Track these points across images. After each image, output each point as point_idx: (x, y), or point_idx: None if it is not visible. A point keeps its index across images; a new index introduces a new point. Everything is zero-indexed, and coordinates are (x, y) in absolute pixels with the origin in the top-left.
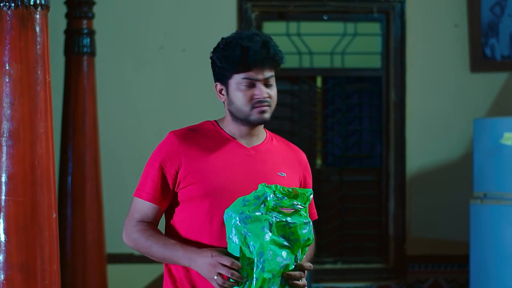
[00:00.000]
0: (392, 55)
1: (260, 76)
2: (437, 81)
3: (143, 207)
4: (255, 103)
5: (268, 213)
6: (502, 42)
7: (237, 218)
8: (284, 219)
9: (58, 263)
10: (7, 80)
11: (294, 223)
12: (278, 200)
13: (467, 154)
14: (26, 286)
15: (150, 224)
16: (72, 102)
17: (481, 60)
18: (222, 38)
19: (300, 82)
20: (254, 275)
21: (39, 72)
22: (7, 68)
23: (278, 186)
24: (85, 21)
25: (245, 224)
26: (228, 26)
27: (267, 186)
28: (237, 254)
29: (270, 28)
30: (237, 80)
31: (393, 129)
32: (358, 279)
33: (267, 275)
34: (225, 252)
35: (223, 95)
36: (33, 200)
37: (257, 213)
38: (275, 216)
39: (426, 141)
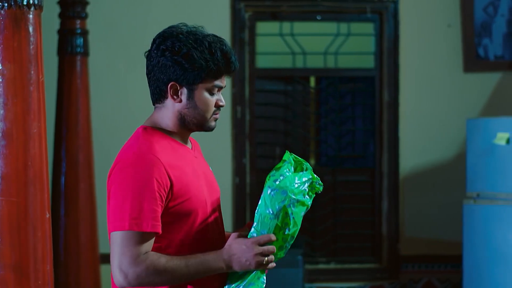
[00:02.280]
0: (385, 55)
1: (224, 84)
2: (431, 81)
3: (148, 238)
4: (216, 110)
5: (307, 196)
6: (495, 42)
7: (291, 199)
8: (309, 203)
9: (52, 263)
10: (0, 80)
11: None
12: (320, 186)
13: (460, 154)
14: (19, 286)
15: (156, 252)
16: (66, 102)
17: (474, 60)
18: (183, 36)
19: (293, 82)
20: (278, 256)
21: (32, 72)
22: (0, 68)
23: (308, 164)
24: (78, 21)
25: (294, 207)
26: (221, 26)
27: (300, 163)
28: (269, 232)
29: (263, 28)
30: (208, 85)
31: (387, 129)
32: (351, 279)
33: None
34: (244, 235)
35: (178, 97)
36: (26, 200)
37: (303, 197)
38: (309, 200)
39: (419, 141)
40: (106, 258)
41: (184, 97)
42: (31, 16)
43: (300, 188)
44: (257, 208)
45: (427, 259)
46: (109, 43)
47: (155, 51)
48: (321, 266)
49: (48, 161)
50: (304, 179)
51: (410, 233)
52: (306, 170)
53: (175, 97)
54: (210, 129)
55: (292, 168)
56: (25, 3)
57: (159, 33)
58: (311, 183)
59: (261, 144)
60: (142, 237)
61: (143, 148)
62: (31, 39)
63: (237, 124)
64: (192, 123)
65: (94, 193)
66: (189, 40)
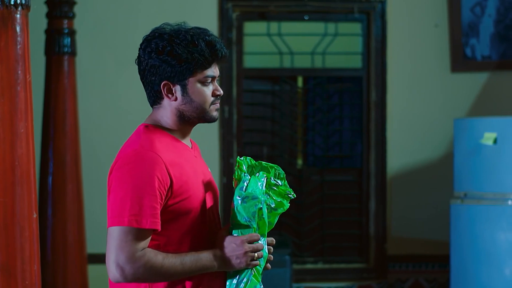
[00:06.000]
0: (373, 55)
1: (217, 73)
2: (418, 81)
3: (146, 235)
4: (214, 100)
5: (265, 194)
6: (482, 42)
7: (261, 202)
8: (271, 204)
9: (39, 263)
10: None
11: (276, 210)
12: (275, 184)
13: (448, 154)
14: (6, 287)
15: (152, 249)
16: (53, 102)
17: (461, 60)
18: (166, 35)
19: (281, 82)
20: (264, 254)
21: (19, 72)
22: None
23: (267, 163)
24: (65, 21)
25: (263, 208)
26: (208, 26)
27: (262, 165)
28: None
29: (251, 28)
30: (199, 77)
31: (374, 129)
32: (339, 279)
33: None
34: (230, 232)
35: (173, 94)
36: (13, 200)
37: (265, 196)
38: (268, 199)
39: (406, 141)
40: (93, 258)
41: (178, 94)
42: (18, 16)
43: (262, 188)
44: (231, 218)
45: (415, 259)
46: (96, 43)
47: (142, 56)
48: (309, 266)
49: (35, 161)
50: (262, 180)
51: (398, 233)
52: (260, 170)
53: (169, 95)
54: (212, 119)
55: (246, 170)
56: (12, 2)
57: (143, 37)
58: (266, 179)
59: (248, 144)
60: (141, 234)
61: (144, 146)
62: (18, 38)
63: (225, 124)
64: (193, 117)
65: (81, 193)
66: (171, 38)
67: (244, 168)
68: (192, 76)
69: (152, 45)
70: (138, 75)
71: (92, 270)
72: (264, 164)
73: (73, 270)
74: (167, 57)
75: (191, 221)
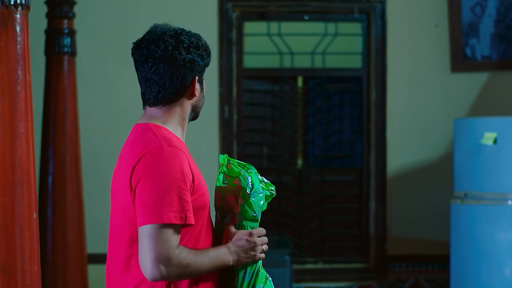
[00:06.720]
0: (373, 55)
1: None
2: (418, 81)
3: (180, 231)
4: None
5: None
6: (482, 42)
7: (264, 196)
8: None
9: (39, 263)
10: None
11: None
12: (262, 181)
13: (448, 154)
14: (6, 287)
15: (184, 247)
16: (53, 102)
17: (461, 60)
18: (189, 33)
19: (281, 82)
20: None
21: (19, 72)
22: None
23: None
24: (65, 21)
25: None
26: (208, 26)
27: (247, 167)
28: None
29: (251, 28)
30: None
31: (374, 129)
32: (339, 279)
33: None
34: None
35: (197, 90)
36: (13, 200)
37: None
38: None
39: (406, 141)
40: (93, 258)
41: (199, 89)
42: (18, 15)
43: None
44: (239, 214)
45: (415, 259)
46: (96, 43)
47: (174, 51)
48: (309, 266)
49: (35, 161)
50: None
51: (398, 233)
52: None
53: (195, 91)
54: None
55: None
56: (12, 2)
57: (161, 34)
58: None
59: (248, 144)
60: (177, 230)
61: (167, 143)
62: (18, 38)
63: (225, 124)
64: (197, 113)
65: (81, 193)
66: (193, 33)
67: (236, 164)
68: (204, 73)
69: (185, 40)
70: (148, 74)
71: (92, 270)
72: (235, 162)
73: (73, 270)
74: (203, 52)
75: (205, 217)
